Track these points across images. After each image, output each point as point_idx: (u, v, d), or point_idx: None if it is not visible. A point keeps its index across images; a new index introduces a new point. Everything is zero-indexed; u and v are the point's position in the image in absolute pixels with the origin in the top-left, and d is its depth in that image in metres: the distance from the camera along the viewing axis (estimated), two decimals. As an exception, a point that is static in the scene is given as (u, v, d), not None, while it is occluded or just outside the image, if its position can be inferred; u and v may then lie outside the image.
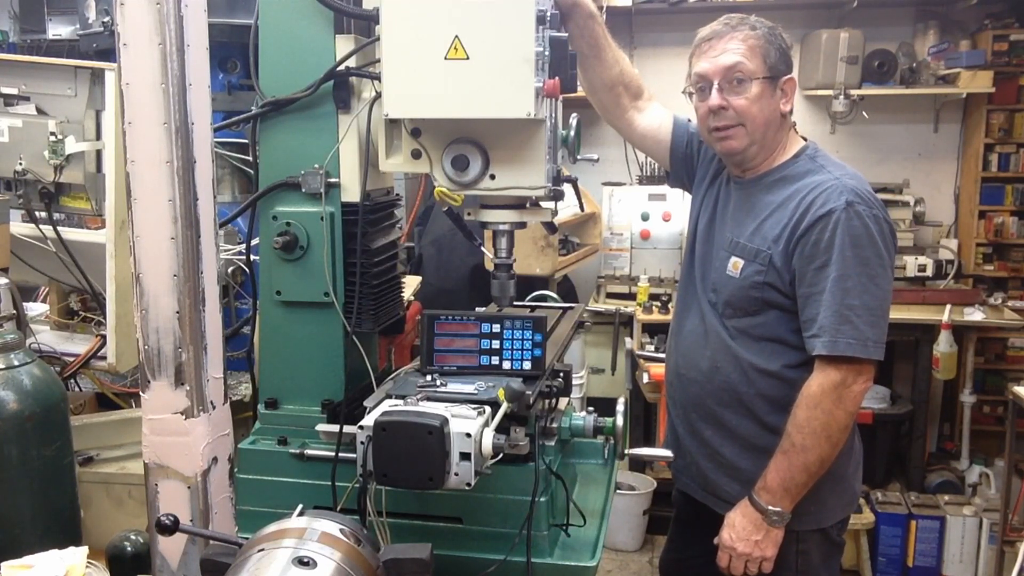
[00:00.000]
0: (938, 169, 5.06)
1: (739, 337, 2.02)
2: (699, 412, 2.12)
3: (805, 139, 2.10)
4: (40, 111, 2.38)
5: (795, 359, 1.98)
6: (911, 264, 4.47)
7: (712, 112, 1.98)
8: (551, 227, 1.98)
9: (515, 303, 1.95)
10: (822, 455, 1.91)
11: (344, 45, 1.78)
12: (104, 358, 2.35)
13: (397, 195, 2.06)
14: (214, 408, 1.53)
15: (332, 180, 1.82)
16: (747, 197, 2.06)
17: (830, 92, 4.66)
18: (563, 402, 1.91)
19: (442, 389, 1.62)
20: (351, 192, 1.83)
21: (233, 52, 3.17)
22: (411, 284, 2.95)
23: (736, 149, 2.01)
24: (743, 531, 1.98)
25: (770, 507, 1.95)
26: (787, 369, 1.99)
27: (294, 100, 1.80)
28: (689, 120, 2.26)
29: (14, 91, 2.39)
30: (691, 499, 2.24)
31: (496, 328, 1.73)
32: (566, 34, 1.82)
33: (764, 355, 2.00)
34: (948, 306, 4.15)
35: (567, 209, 3.50)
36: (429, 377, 1.68)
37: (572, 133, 1.85)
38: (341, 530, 1.25)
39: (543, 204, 1.85)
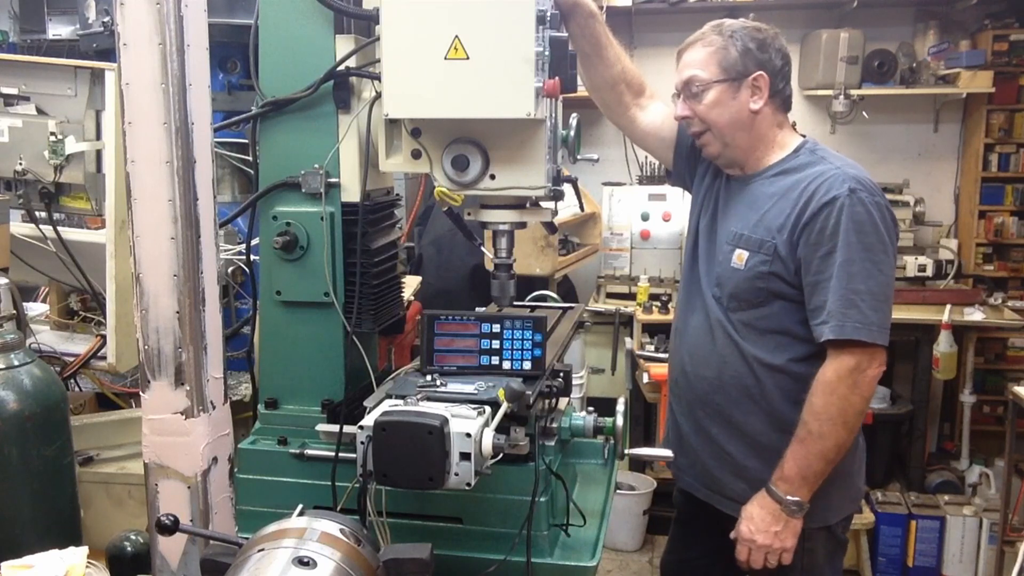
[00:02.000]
0: (938, 169, 5.06)
1: (744, 331, 2.02)
2: (706, 409, 2.11)
3: (804, 136, 2.11)
4: (40, 111, 2.38)
5: (801, 352, 1.98)
6: (911, 264, 4.47)
7: (685, 120, 2.08)
8: (551, 227, 1.98)
9: (515, 303, 1.95)
10: (839, 441, 1.91)
11: (344, 45, 1.78)
12: (104, 358, 2.35)
13: (397, 195, 2.06)
14: (214, 408, 1.53)
15: (332, 180, 1.82)
16: (748, 191, 2.07)
17: (830, 92, 4.66)
18: (563, 402, 1.91)
19: (442, 389, 1.62)
20: (351, 192, 1.83)
21: (233, 52, 3.17)
22: (411, 284, 2.95)
23: (712, 153, 2.09)
24: (762, 523, 1.97)
25: (788, 497, 1.94)
26: (793, 363, 1.99)
27: (294, 100, 1.80)
28: None
29: (14, 91, 2.39)
30: (693, 499, 2.23)
31: (496, 328, 1.73)
32: (566, 34, 1.82)
33: (770, 349, 2.00)
34: (948, 306, 4.15)
35: (567, 209, 3.50)
36: (429, 377, 1.68)
37: (572, 133, 1.85)
38: (341, 530, 1.25)
39: (543, 204, 1.85)
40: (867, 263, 1.88)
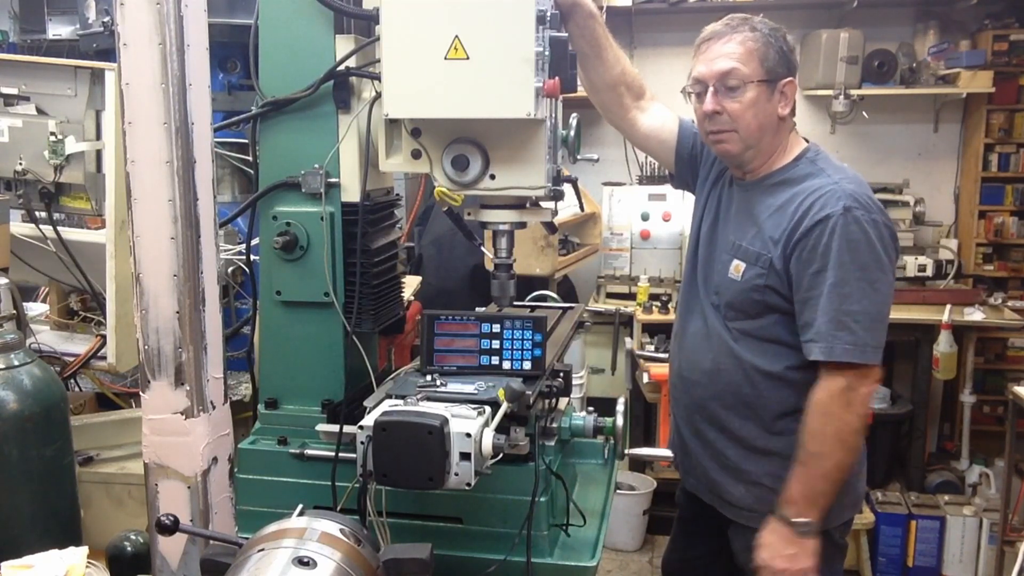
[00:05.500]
0: (938, 169, 5.05)
1: (742, 339, 2.02)
2: (702, 415, 2.11)
3: (807, 140, 2.10)
4: (40, 111, 2.38)
5: (798, 360, 1.97)
6: (911, 264, 4.47)
7: (707, 116, 1.98)
8: (551, 227, 1.98)
9: (515, 303, 1.95)
10: (839, 461, 1.90)
11: (344, 45, 1.78)
12: (104, 358, 2.35)
13: (397, 195, 2.06)
14: (214, 408, 1.54)
15: (332, 180, 1.82)
16: (748, 200, 2.05)
17: (830, 92, 4.66)
18: (563, 402, 1.91)
19: (442, 389, 1.62)
20: (351, 192, 1.83)
21: (233, 52, 3.17)
22: (411, 284, 2.95)
23: (731, 152, 2.01)
24: (777, 548, 1.95)
25: (796, 519, 1.93)
26: (790, 371, 1.98)
27: (294, 100, 1.80)
28: (693, 121, 2.26)
29: (14, 91, 2.39)
30: (695, 499, 2.23)
31: (496, 328, 1.73)
32: (566, 34, 1.82)
33: (767, 357, 2.00)
34: (948, 306, 4.15)
35: (567, 209, 3.49)
36: (429, 377, 1.68)
37: (572, 133, 1.85)
38: (341, 530, 1.25)
39: (543, 204, 1.85)
40: (862, 283, 1.86)
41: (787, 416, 1.97)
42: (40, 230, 2.47)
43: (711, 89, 1.95)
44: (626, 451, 1.91)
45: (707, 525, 2.19)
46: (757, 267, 1.96)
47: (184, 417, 1.50)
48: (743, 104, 1.93)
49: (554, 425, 1.80)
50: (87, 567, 1.59)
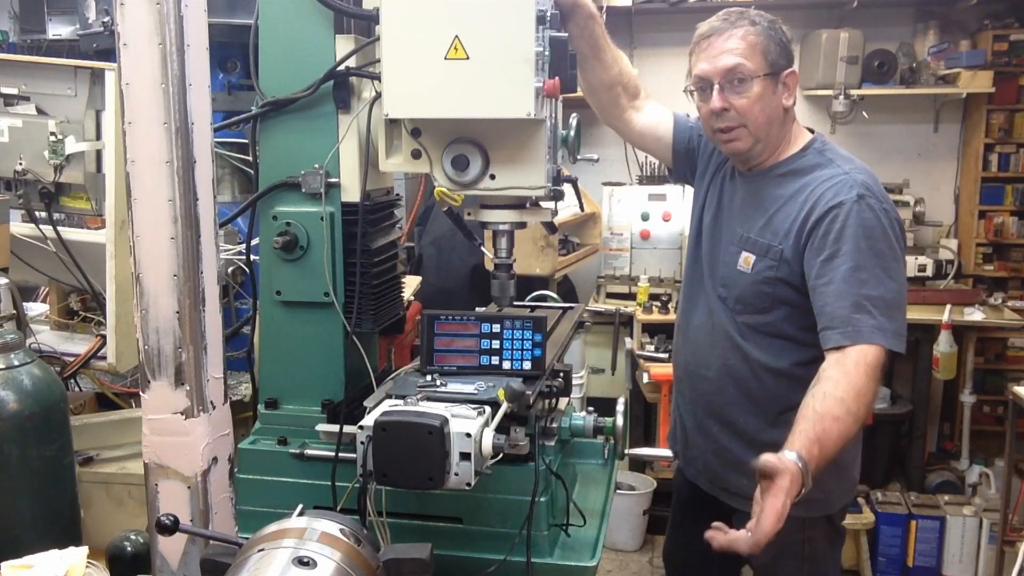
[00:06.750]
0: (938, 169, 5.06)
1: (749, 335, 2.01)
2: (707, 409, 2.11)
3: (812, 131, 2.09)
4: (40, 111, 2.38)
5: (804, 356, 1.96)
6: (911, 264, 4.47)
7: (715, 113, 1.97)
8: (551, 227, 1.98)
9: (515, 303, 1.95)
10: (858, 428, 1.75)
11: (344, 45, 1.78)
12: (104, 358, 2.35)
13: (397, 195, 2.06)
14: (214, 408, 1.53)
15: (332, 180, 1.82)
16: (755, 191, 2.04)
17: (830, 92, 4.66)
18: (563, 402, 1.91)
19: (442, 389, 1.62)
20: (351, 192, 1.83)
21: (233, 52, 3.17)
22: (411, 284, 2.95)
23: (741, 150, 2.01)
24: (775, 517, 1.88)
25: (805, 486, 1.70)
26: (796, 367, 1.97)
27: (294, 100, 1.80)
28: (688, 115, 2.26)
29: (14, 91, 2.39)
30: (694, 486, 2.24)
31: (496, 328, 1.73)
32: (566, 34, 1.82)
33: (773, 352, 1.99)
34: (948, 306, 4.15)
35: (567, 209, 3.50)
36: (429, 377, 1.68)
37: (572, 133, 1.85)
38: (341, 530, 1.25)
39: (543, 204, 1.85)
40: (878, 269, 1.84)
41: (790, 411, 1.96)
42: (40, 230, 2.46)
43: (716, 86, 1.94)
44: (626, 451, 1.91)
45: (706, 508, 2.18)
46: (768, 259, 1.96)
47: (184, 417, 1.49)
48: (751, 99, 1.93)
49: (554, 425, 1.80)
50: (87, 567, 1.58)
